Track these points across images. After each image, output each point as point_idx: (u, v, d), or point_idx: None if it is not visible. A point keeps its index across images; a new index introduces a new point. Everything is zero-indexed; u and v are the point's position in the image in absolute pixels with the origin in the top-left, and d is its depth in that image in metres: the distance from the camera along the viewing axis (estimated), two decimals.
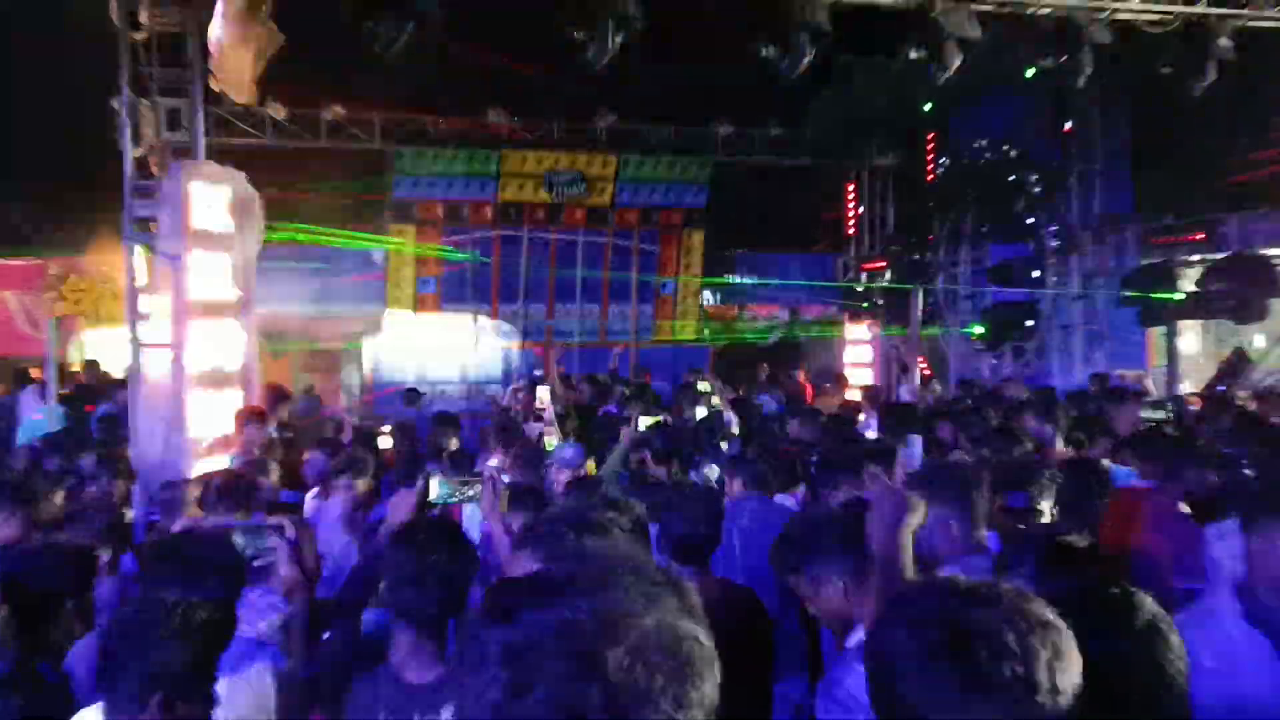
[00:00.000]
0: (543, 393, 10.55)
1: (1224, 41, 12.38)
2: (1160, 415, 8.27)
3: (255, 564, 3.65)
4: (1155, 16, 12.70)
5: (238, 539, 3.55)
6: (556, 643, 1.10)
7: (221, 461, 8.22)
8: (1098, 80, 13.21)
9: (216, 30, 10.29)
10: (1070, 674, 1.47)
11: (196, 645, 2.76)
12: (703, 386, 14.74)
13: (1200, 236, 14.96)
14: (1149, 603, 1.90)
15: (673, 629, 1.14)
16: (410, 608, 3.19)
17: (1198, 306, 14.71)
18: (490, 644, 1.13)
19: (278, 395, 10.18)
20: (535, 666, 1.09)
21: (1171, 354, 16.11)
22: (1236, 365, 14.27)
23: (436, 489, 4.15)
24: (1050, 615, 1.52)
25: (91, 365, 14.77)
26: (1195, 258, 15.25)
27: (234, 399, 9.47)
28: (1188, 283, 15.13)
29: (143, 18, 9.59)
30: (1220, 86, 12.51)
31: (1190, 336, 16.02)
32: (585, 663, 1.08)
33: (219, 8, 10.17)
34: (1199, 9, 12.47)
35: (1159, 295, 15.00)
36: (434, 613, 3.18)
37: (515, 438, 8.01)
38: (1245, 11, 12.62)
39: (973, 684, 1.45)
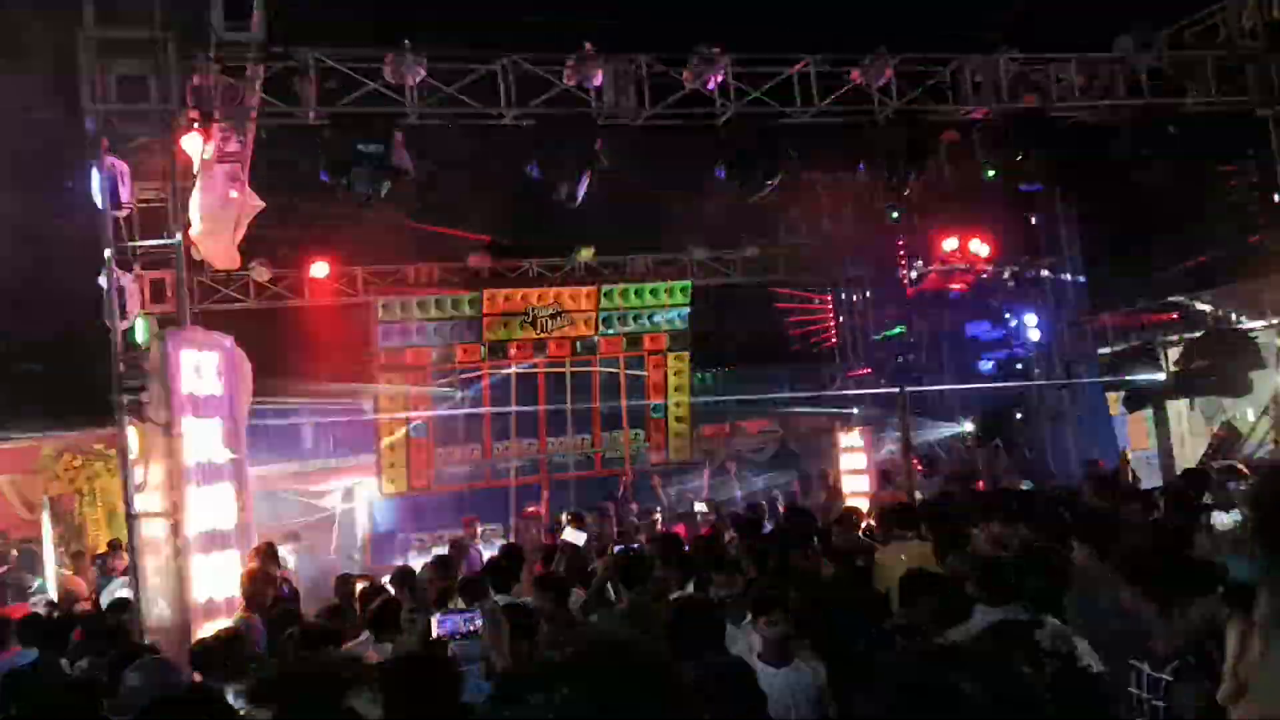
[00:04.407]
0: None
1: (1171, 128, 12.81)
2: None
3: None
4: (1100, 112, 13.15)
5: (231, 698, 3.58)
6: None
7: (224, 623, 8.18)
8: (1055, 176, 13.61)
9: (197, 202, 10.62)
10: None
11: None
12: (700, 508, 14.80)
13: (1174, 316, 15.18)
14: None
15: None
16: None
17: (1180, 386, 14.84)
18: None
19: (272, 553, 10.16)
20: None
21: (1162, 434, 16.16)
22: (1226, 440, 14.34)
23: (437, 628, 4.19)
24: (1020, 668, 1.61)
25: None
26: (1173, 337, 15.44)
27: (233, 560, 9.47)
28: (1169, 363, 15.31)
29: (124, 196, 9.85)
30: (1172, 170, 12.90)
31: (1178, 415, 16.09)
32: None
33: (198, 180, 10.51)
34: (1143, 100, 12.91)
35: (1142, 378, 15.16)
36: None
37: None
38: (1189, 100, 13.06)
39: None
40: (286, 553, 12.27)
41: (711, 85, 11.65)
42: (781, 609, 5.01)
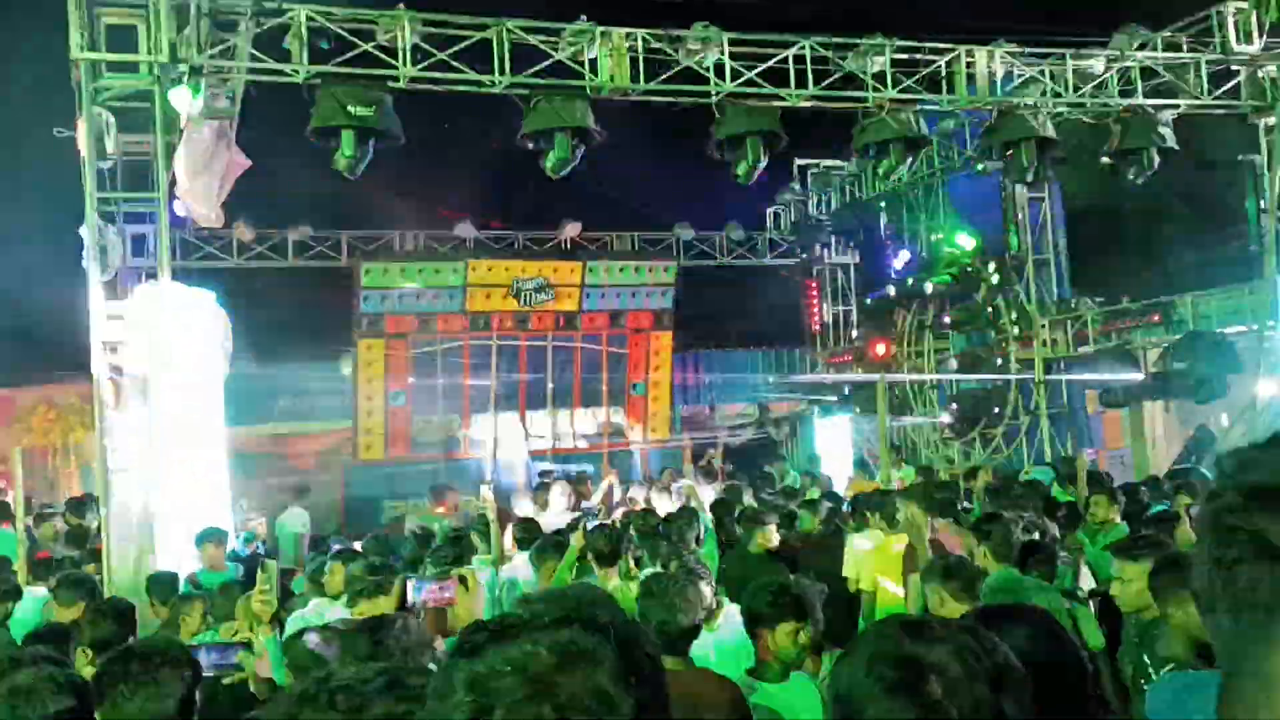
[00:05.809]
0: None
1: (1163, 129, 12.85)
2: None
3: (224, 681, 3.65)
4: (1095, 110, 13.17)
5: (202, 655, 3.55)
6: (514, 672, 1.19)
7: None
8: (1042, 170, 13.62)
9: (183, 156, 10.50)
10: (1016, 697, 1.56)
11: None
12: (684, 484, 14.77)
13: (1155, 318, 15.23)
14: None
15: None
16: None
17: (1157, 387, 14.89)
18: (457, 675, 1.21)
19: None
20: (495, 692, 1.18)
21: (1138, 434, 16.26)
22: (1200, 443, 14.43)
23: (413, 593, 4.19)
24: (997, 644, 1.60)
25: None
26: (1153, 339, 15.50)
27: (204, 518, 9.41)
28: (1147, 363, 15.37)
29: (109, 147, 9.74)
30: (1158, 173, 12.94)
31: (1154, 416, 16.19)
32: (539, 688, 1.17)
33: (185, 134, 10.40)
34: (1136, 100, 12.94)
35: (1119, 377, 15.23)
36: None
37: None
38: (1180, 101, 13.10)
39: (929, 716, 1.53)
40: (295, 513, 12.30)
41: (707, 64, 11.61)
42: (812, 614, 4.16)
